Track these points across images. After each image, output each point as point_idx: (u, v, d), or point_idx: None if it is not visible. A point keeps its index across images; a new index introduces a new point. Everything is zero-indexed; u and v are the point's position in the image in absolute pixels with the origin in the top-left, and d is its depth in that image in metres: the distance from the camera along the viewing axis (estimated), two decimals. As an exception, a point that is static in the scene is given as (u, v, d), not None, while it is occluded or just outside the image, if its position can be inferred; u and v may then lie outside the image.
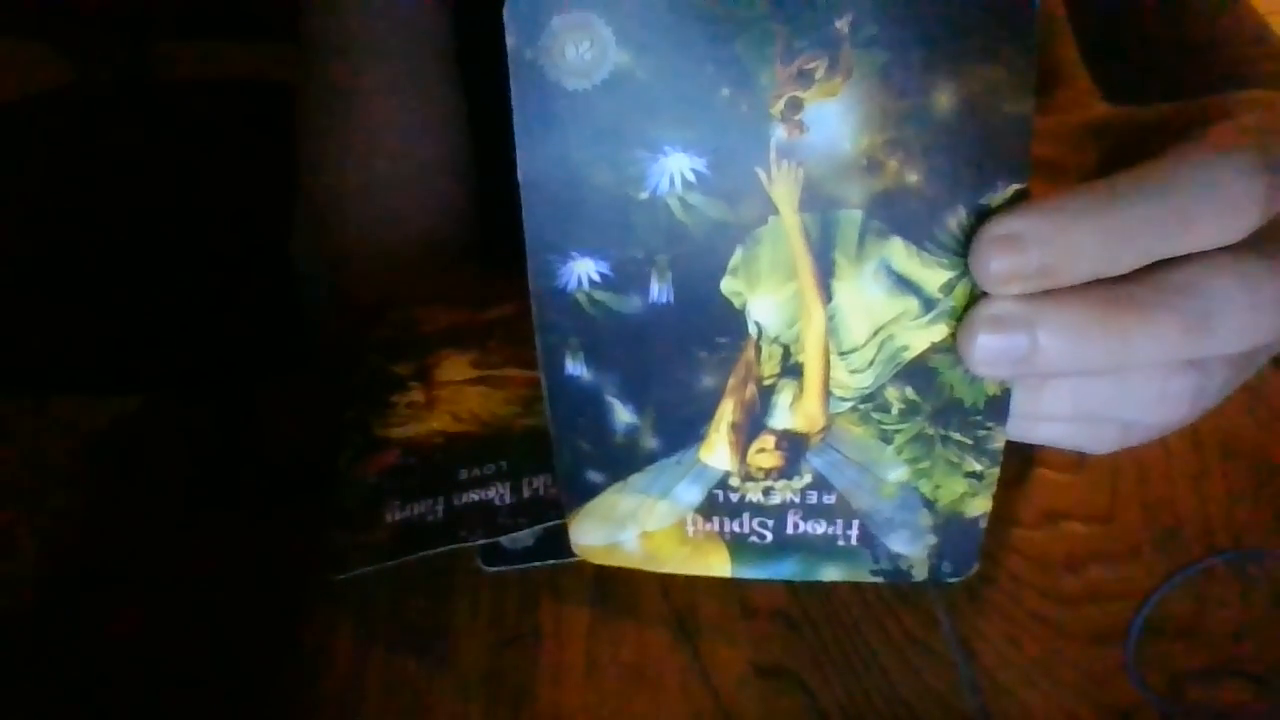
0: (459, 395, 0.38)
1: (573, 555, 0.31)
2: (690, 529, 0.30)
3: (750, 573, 0.31)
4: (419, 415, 0.37)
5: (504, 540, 0.33)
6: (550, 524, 0.33)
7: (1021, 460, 0.36)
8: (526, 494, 0.34)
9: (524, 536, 0.33)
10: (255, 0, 0.77)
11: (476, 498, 0.34)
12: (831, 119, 0.24)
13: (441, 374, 0.39)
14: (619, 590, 0.33)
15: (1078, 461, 0.36)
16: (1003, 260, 0.23)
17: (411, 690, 0.31)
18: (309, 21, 0.52)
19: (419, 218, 0.52)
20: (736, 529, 0.30)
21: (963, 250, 0.24)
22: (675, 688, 0.31)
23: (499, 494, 0.34)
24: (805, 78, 0.24)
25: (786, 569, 0.31)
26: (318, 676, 0.31)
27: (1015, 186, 0.24)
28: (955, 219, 0.24)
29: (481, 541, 0.33)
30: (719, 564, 0.31)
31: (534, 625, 0.32)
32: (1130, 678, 0.30)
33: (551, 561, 0.33)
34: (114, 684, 0.31)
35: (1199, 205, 0.23)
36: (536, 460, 0.34)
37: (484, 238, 0.53)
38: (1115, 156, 0.28)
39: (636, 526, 0.30)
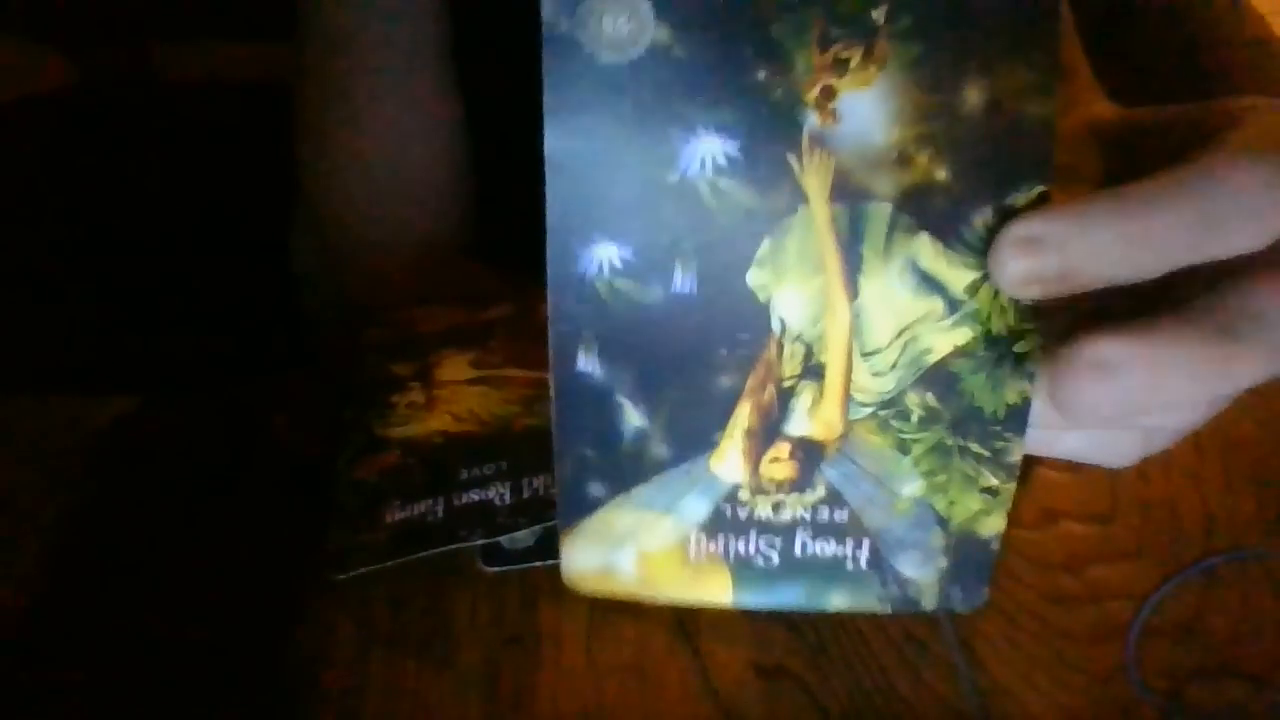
0: (459, 395, 0.38)
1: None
2: (692, 550, 0.29)
3: (753, 600, 0.30)
4: (419, 415, 0.37)
5: (504, 540, 0.33)
6: (550, 524, 0.33)
7: (1022, 461, 0.36)
8: (526, 494, 0.34)
9: (524, 536, 0.33)
10: (255, 0, 0.77)
11: (476, 498, 0.34)
12: (864, 109, 0.24)
13: (441, 374, 0.39)
14: (619, 590, 0.33)
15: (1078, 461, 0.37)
16: (1022, 262, 0.23)
17: (411, 690, 0.31)
18: (307, 21, 0.52)
19: (418, 218, 0.52)
20: (741, 550, 0.29)
21: (987, 250, 0.24)
22: (675, 688, 0.31)
23: (499, 494, 0.34)
24: (840, 65, 0.23)
25: (791, 596, 0.30)
26: (318, 676, 0.31)
27: (1039, 188, 0.24)
28: (981, 218, 0.24)
29: (481, 541, 0.33)
30: (720, 590, 0.30)
31: (534, 625, 0.32)
32: (1130, 678, 0.30)
33: (551, 561, 0.33)
34: (114, 684, 0.31)
35: (1224, 211, 0.23)
36: (536, 460, 0.34)
37: (484, 238, 0.53)
38: (1118, 160, 0.28)
39: (635, 546, 0.30)
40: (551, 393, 0.27)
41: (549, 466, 0.32)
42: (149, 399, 0.40)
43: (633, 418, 0.28)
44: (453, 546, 0.33)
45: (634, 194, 0.25)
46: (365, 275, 0.51)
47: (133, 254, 0.71)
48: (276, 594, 0.33)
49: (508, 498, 0.34)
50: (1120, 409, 0.23)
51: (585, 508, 0.29)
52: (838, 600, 0.30)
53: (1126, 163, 0.24)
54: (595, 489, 0.29)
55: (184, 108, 0.79)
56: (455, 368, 0.39)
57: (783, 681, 0.31)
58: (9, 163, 0.73)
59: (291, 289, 0.60)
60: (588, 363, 0.27)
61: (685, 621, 0.32)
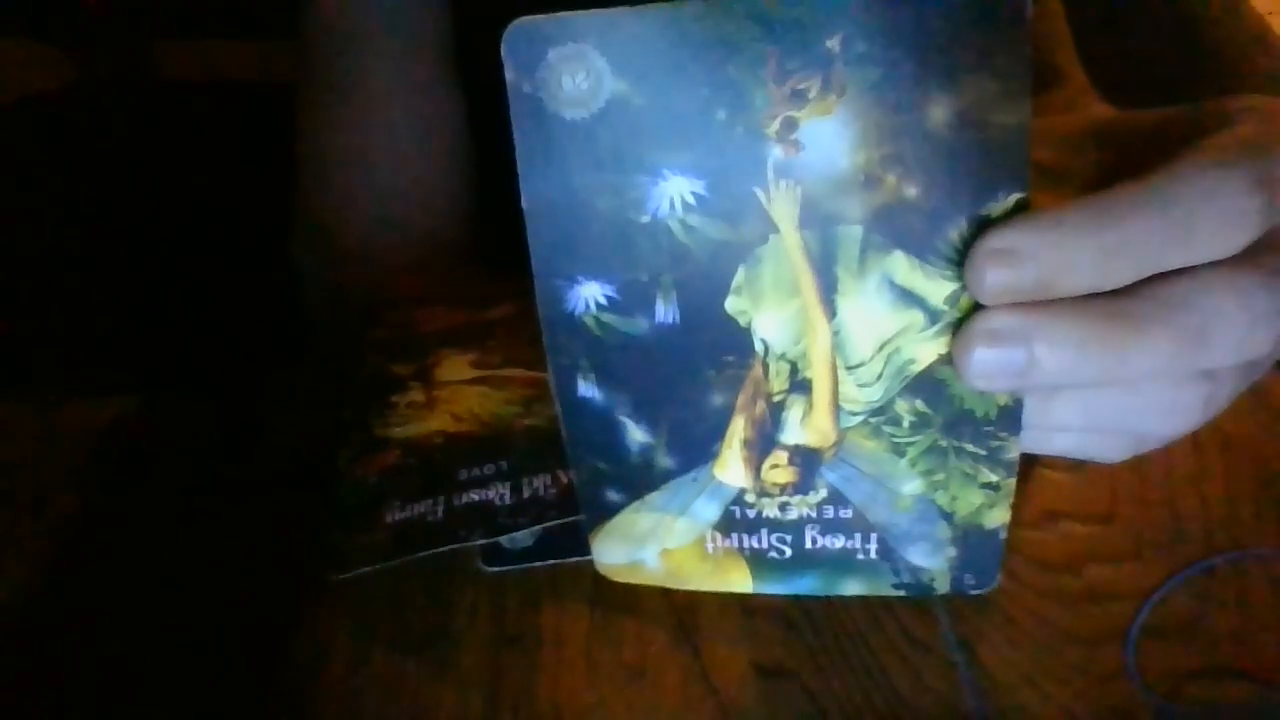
0: (459, 395, 0.38)
1: (572, 555, 0.32)
2: (710, 546, 0.30)
3: (771, 588, 0.31)
4: (419, 415, 0.37)
5: (504, 540, 0.33)
6: (550, 524, 0.33)
7: (1022, 460, 0.36)
8: (526, 494, 0.34)
9: (524, 536, 0.33)
10: (255, 0, 0.77)
11: (476, 498, 0.34)
12: (827, 137, 0.24)
13: (441, 374, 0.39)
14: (619, 590, 0.33)
15: (1078, 462, 0.36)
16: (998, 274, 0.23)
17: (411, 690, 0.31)
18: (308, 21, 0.52)
19: (419, 217, 0.52)
20: (755, 545, 0.30)
21: (964, 262, 0.24)
22: (675, 688, 0.31)
23: (499, 494, 0.34)
24: (799, 97, 0.24)
25: (807, 584, 0.31)
26: (317, 676, 0.31)
27: (1016, 196, 0.24)
28: (956, 230, 0.24)
29: (481, 541, 0.33)
30: (740, 580, 0.31)
31: (534, 625, 0.32)
32: (1130, 678, 0.30)
33: (551, 561, 0.33)
34: (114, 684, 0.31)
35: (1196, 219, 0.23)
36: (536, 460, 0.34)
37: (485, 237, 0.53)
38: (1115, 161, 0.28)
39: (657, 544, 0.31)
40: (559, 414, 0.29)
41: (549, 467, 0.33)
42: (149, 399, 0.40)
43: (636, 434, 0.29)
44: (453, 546, 0.33)
45: (610, 236, 0.26)
46: (365, 274, 0.51)
47: (133, 253, 0.71)
48: (276, 594, 0.33)
49: (508, 498, 0.34)
50: (1012, 377, 0.24)
51: (606, 512, 0.30)
52: (853, 587, 0.31)
53: (1124, 165, 0.24)
54: (612, 495, 0.30)
55: (184, 106, 0.79)
56: (455, 368, 0.39)
57: (783, 681, 0.31)
58: (9, 162, 0.73)
59: (291, 289, 0.60)
60: (587, 389, 0.28)
61: (685, 621, 0.32)
